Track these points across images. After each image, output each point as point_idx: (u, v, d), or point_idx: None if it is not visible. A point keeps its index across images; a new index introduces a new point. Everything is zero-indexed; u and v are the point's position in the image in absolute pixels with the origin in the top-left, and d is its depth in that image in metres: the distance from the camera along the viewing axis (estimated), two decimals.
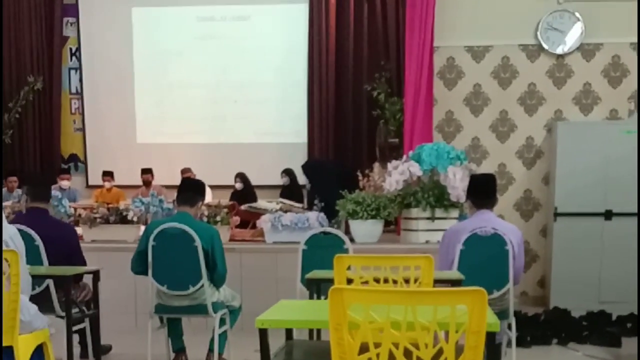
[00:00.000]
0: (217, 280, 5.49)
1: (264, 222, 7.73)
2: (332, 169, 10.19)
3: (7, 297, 3.86)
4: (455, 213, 7.38)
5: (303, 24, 12.00)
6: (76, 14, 12.54)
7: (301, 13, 12.01)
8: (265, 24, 12.23)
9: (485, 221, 5.19)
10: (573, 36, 8.96)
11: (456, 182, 7.19)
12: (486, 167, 8.89)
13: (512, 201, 9.13)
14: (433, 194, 7.32)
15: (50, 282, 5.20)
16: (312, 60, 11.97)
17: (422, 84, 8.82)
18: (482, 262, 5.02)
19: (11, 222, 5.22)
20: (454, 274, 4.79)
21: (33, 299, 4.21)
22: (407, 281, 4.10)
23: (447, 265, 5.16)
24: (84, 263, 5.69)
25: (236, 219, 8.67)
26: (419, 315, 2.44)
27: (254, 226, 8.41)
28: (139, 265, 5.45)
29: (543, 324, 7.14)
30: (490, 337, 2.68)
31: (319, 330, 4.67)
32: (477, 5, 8.98)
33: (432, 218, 7.37)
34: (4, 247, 3.85)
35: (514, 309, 5.24)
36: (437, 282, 4.29)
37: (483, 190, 5.37)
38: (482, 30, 9.03)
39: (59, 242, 5.51)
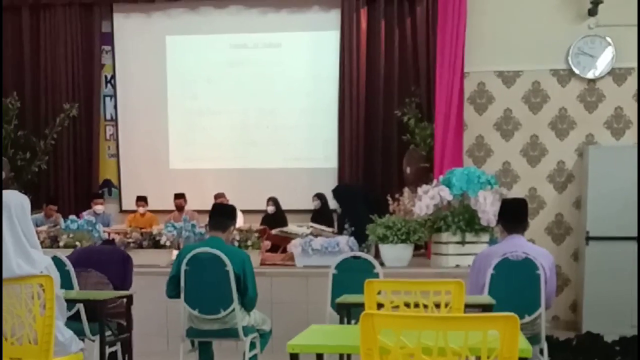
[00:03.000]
0: (247, 304, 5.53)
1: (294, 247, 7.76)
2: (362, 193, 10.21)
3: (41, 321, 3.94)
4: (485, 237, 7.36)
5: (334, 50, 12.10)
6: (111, 42, 12.75)
7: (332, 39, 12.12)
8: (296, 50, 12.36)
9: (516, 245, 5.18)
10: (604, 61, 8.92)
11: (487, 206, 7.18)
12: (517, 191, 8.84)
13: (543, 225, 9.06)
14: (463, 218, 7.31)
15: (81, 307, 5.28)
16: (343, 86, 12.05)
17: (452, 109, 8.83)
18: (513, 287, 5.01)
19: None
20: (485, 298, 4.78)
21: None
22: (437, 306, 4.11)
23: (477, 290, 5.15)
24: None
25: (267, 244, 8.71)
26: (450, 341, 2.45)
27: (284, 250, 8.45)
28: (173, 290, 5.54)
29: (575, 349, 7.07)
30: None
31: (349, 355, 4.68)
32: (507, 30, 8.98)
33: (463, 242, 7.35)
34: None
35: (545, 334, 5.21)
36: (468, 306, 4.29)
37: (514, 215, 5.37)
38: (513, 55, 9.02)
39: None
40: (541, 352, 5.19)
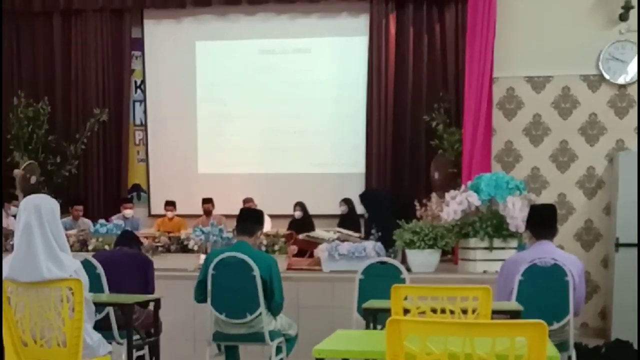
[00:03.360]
0: (274, 308, 5.54)
1: (321, 251, 7.76)
2: (389, 198, 10.18)
3: (70, 325, 3.98)
4: (514, 243, 7.31)
5: (363, 56, 12.11)
6: (141, 48, 12.86)
7: (361, 45, 12.13)
8: (325, 56, 12.40)
9: (545, 252, 5.14)
10: (635, 66, 8.83)
11: (515, 212, 7.13)
12: (546, 197, 8.78)
13: (572, 231, 8.99)
14: (491, 224, 7.27)
15: (110, 309, 5.32)
16: (372, 91, 12.05)
17: (481, 115, 8.79)
18: (542, 293, 4.97)
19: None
20: (513, 305, 4.76)
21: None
22: (464, 312, 4.09)
23: (505, 296, 5.12)
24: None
25: (294, 248, 8.72)
26: (477, 347, 2.44)
27: (311, 255, 8.45)
28: (201, 294, 5.57)
29: (604, 357, 7.00)
30: None
31: None
32: (537, 36, 8.92)
33: (490, 248, 7.30)
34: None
35: (574, 341, 5.17)
36: (496, 313, 4.27)
37: (543, 221, 5.33)
38: (543, 60, 8.96)
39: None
40: (569, 359, 5.14)
